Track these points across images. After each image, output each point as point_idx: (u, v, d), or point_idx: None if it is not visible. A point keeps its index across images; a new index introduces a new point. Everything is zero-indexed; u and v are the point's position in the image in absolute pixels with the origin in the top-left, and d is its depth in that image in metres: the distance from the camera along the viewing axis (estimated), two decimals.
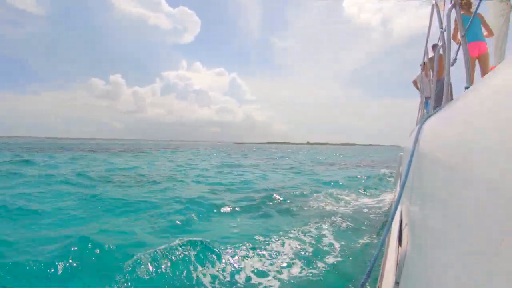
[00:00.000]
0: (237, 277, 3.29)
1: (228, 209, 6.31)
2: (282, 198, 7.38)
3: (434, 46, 3.78)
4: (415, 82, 4.90)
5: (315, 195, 7.74)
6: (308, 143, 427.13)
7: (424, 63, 4.23)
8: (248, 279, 3.28)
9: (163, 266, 3.30)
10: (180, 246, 3.65)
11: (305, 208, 6.40)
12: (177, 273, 3.25)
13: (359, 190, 8.94)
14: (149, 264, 3.28)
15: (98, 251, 3.58)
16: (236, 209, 6.33)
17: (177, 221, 5.16)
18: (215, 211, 6.14)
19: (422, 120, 1.64)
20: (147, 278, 3.11)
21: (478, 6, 1.83)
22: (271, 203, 6.97)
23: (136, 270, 3.17)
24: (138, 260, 3.30)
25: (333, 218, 5.59)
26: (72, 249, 3.50)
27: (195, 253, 3.60)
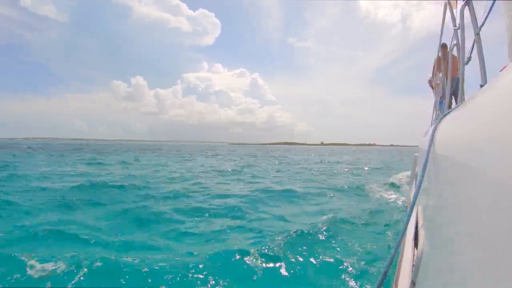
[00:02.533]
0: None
1: None
2: None
3: (443, 46, 3.95)
4: (430, 82, 5.16)
5: None
6: (322, 143, 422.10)
7: (437, 62, 4.46)
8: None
9: None
10: None
11: None
12: None
13: None
14: None
15: None
16: None
17: None
18: None
19: (437, 120, 1.70)
20: None
21: (492, 5, 2.06)
22: None
23: None
24: None
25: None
26: None
27: None
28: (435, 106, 4.79)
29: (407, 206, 5.58)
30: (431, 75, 5.11)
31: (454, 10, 2.58)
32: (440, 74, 4.37)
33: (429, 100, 5.41)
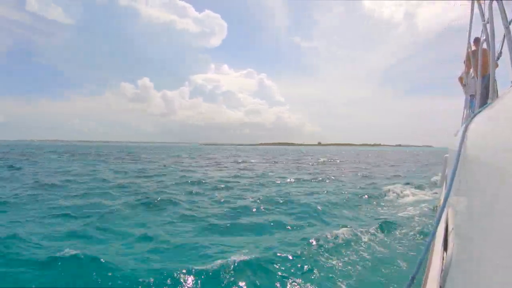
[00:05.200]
0: None
1: None
2: None
3: (476, 40, 4.04)
4: (460, 79, 5.33)
5: None
6: (319, 144, 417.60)
7: (467, 58, 4.62)
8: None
9: None
10: None
11: None
12: None
13: None
14: None
15: None
16: None
17: None
18: None
19: (468, 119, 1.75)
20: None
21: None
22: None
23: None
24: None
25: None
26: None
27: None
28: (465, 105, 4.94)
29: (437, 208, 5.81)
30: (461, 72, 5.30)
31: (482, 4, 2.67)
32: (471, 71, 4.55)
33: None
